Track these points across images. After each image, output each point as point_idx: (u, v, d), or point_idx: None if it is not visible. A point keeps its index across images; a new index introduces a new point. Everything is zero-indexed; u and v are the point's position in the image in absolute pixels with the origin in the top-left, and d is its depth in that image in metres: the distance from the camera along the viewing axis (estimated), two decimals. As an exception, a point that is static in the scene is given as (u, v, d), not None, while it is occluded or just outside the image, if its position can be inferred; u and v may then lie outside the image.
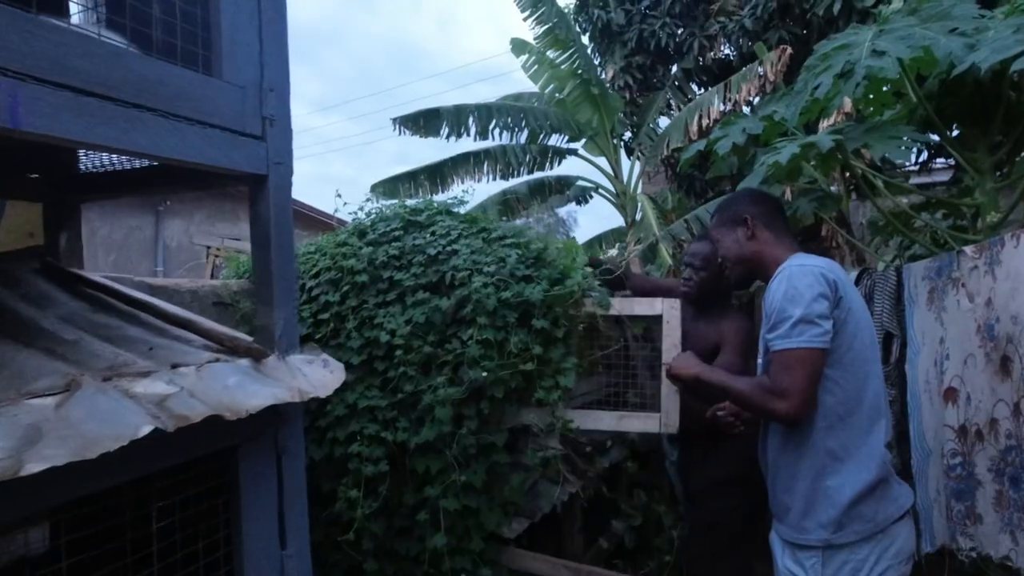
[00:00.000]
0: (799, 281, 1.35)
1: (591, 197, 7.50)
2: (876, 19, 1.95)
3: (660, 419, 1.86)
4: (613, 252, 7.58)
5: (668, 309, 1.82)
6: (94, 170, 1.42)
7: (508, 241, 1.92)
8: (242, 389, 0.89)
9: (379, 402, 1.90)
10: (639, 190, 7.36)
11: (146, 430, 0.78)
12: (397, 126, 6.69)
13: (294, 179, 1.09)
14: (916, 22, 1.79)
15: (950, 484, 2.07)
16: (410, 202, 2.30)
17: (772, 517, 1.56)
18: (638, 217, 6.79)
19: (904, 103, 2.42)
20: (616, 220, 7.57)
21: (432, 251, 1.86)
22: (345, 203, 2.19)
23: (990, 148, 2.33)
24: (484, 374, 1.70)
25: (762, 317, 1.54)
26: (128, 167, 1.24)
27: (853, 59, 1.80)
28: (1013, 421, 1.70)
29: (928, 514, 2.14)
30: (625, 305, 1.88)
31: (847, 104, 3.33)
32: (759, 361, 1.53)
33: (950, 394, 2.08)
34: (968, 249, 1.93)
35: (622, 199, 7.22)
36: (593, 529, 2.60)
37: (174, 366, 0.87)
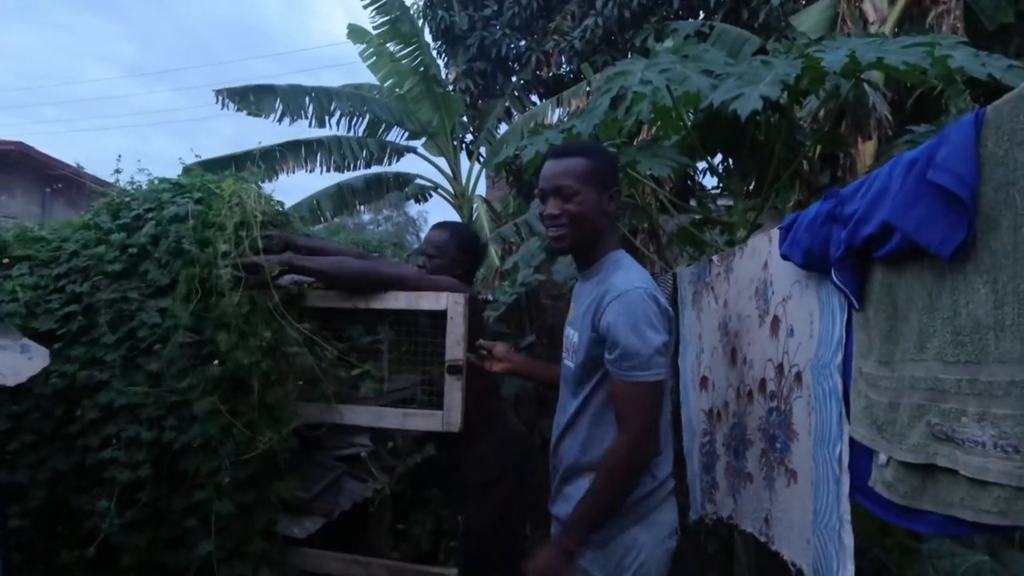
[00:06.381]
0: (646, 309, 1.33)
1: (430, 196, 7.53)
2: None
3: (442, 417, 1.83)
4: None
5: (452, 304, 1.78)
6: None
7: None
8: None
9: (142, 400, 1.72)
10: (477, 192, 7.55)
11: None
12: (221, 99, 6.10)
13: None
14: (677, 59, 2.07)
15: (702, 459, 2.42)
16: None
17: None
18: (474, 218, 6.96)
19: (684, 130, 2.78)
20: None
21: (173, 239, 1.71)
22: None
23: (742, 175, 2.77)
24: (221, 366, 1.62)
25: (572, 313, 1.53)
26: None
27: (627, 85, 2.02)
28: (736, 402, 2.04)
29: (694, 488, 2.47)
30: (412, 299, 1.86)
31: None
32: (565, 362, 1.52)
33: (703, 382, 2.43)
34: (715, 258, 2.27)
35: (459, 200, 7.35)
36: (402, 527, 2.60)
37: None
